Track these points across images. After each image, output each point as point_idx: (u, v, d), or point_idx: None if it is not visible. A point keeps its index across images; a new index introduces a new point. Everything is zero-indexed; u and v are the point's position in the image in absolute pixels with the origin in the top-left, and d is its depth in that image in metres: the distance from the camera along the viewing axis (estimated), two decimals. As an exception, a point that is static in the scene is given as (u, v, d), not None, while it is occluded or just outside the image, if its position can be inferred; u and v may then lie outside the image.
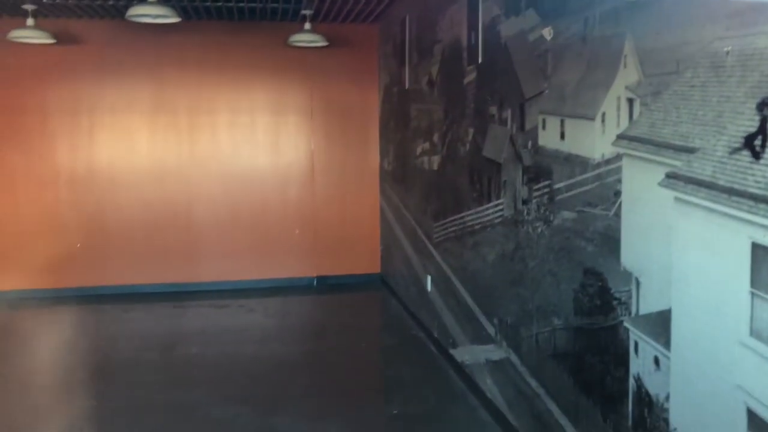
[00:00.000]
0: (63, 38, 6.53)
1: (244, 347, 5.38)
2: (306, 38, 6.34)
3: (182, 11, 6.07)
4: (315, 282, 7.30)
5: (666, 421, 2.25)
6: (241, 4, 6.17)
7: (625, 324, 2.47)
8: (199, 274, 7.12)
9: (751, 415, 1.87)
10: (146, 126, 6.95)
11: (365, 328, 6.07)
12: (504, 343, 3.70)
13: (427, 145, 5.35)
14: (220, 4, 6.09)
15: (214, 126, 7.08)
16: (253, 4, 6.19)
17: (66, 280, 6.91)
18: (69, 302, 6.68)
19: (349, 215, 7.32)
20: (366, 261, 7.35)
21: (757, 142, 1.79)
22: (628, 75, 2.43)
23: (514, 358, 3.56)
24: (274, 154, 7.21)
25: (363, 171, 7.34)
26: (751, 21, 1.83)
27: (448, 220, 4.78)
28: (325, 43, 6.43)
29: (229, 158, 7.12)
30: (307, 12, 6.23)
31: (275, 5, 6.21)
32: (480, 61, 4.02)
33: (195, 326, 6.09)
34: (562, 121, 2.97)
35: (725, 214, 1.92)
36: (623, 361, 2.49)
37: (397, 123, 6.37)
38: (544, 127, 3.16)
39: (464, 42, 4.31)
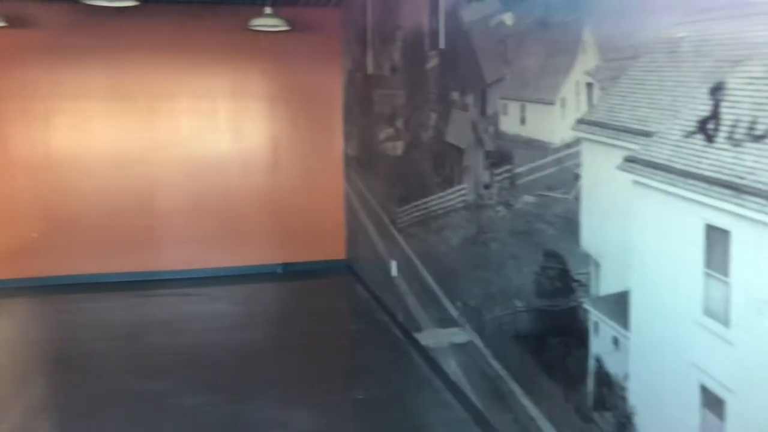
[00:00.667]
0: (15, 22, 6.34)
1: (209, 335, 5.35)
2: (267, 22, 6.26)
3: (139, -5, 5.93)
4: (280, 269, 7.27)
5: (625, 399, 2.31)
6: (200, -12, 6.06)
7: (585, 305, 2.52)
8: (163, 262, 7.03)
9: (705, 392, 1.93)
10: (104, 112, 6.80)
11: (331, 313, 6.07)
12: (467, 326, 3.75)
13: (390, 130, 5.35)
14: (178, -13, 5.98)
15: (175, 112, 6.96)
16: (213, -12, 6.08)
17: (25, 270, 6.76)
18: (28, 293, 6.54)
19: (313, 201, 7.30)
20: (331, 247, 7.34)
21: (711, 125, 1.84)
22: (587, 60, 2.46)
23: (477, 340, 3.61)
24: (237, 140, 7.13)
25: (327, 156, 7.31)
26: (705, 7, 1.87)
27: (412, 205, 4.80)
28: (286, 28, 6.37)
29: (190, 144, 7.02)
30: (268, -5, 6.15)
31: (235, -11, 6.12)
32: (442, 46, 4.02)
33: (159, 315, 6.02)
34: (522, 106, 3.00)
35: (681, 197, 1.97)
36: (583, 342, 2.54)
37: (361, 108, 6.35)
38: (505, 112, 3.18)
39: (426, 27, 4.31)
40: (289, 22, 6.37)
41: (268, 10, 6.25)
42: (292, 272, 7.25)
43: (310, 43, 7.07)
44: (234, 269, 7.15)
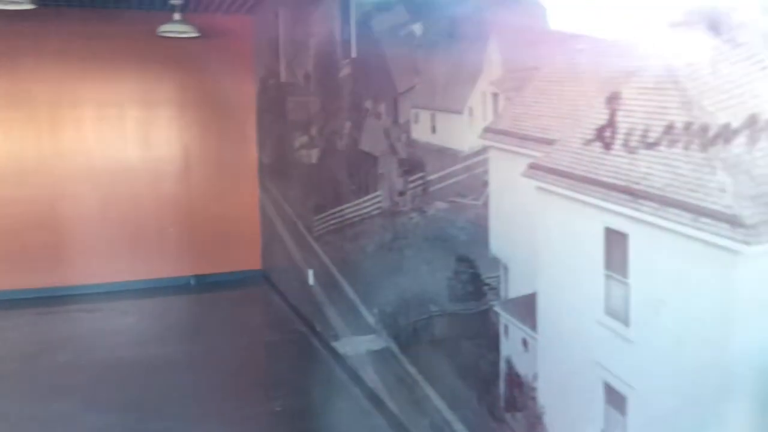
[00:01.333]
0: None
1: (118, 352, 5.13)
2: (176, 28, 6.11)
3: (38, -3, 5.66)
4: (193, 281, 7.08)
5: (534, 399, 2.38)
6: (105, -8, 5.85)
7: (496, 308, 2.58)
8: (69, 277, 6.70)
9: (608, 389, 2.01)
10: (1, 120, 6.45)
11: (247, 325, 5.97)
12: (384, 333, 3.77)
13: (305, 138, 5.32)
14: (80, -10, 5.75)
15: (80, 120, 6.68)
16: (118, -8, 5.89)
17: None
18: None
19: (227, 210, 7.15)
20: (246, 257, 7.21)
21: (608, 134, 1.92)
22: (492, 70, 2.53)
23: (393, 346, 3.63)
24: (146, 149, 6.91)
25: (241, 165, 7.19)
26: (600, 21, 1.96)
27: (328, 213, 4.79)
28: (196, 34, 6.23)
29: (96, 153, 6.75)
30: (177, 2, 6.01)
31: (142, -7, 5.95)
32: (354, 55, 4.04)
33: (65, 332, 5.73)
34: (432, 115, 3.05)
35: (581, 202, 2.05)
36: (495, 345, 2.60)
37: (275, 116, 6.29)
38: (416, 121, 3.23)
39: (338, 36, 4.32)
40: (199, 28, 6.24)
41: (177, 16, 6.10)
42: (205, 284, 7.07)
43: (222, 50, 6.95)
44: (145, 282, 6.90)
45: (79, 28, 6.51)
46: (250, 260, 7.21)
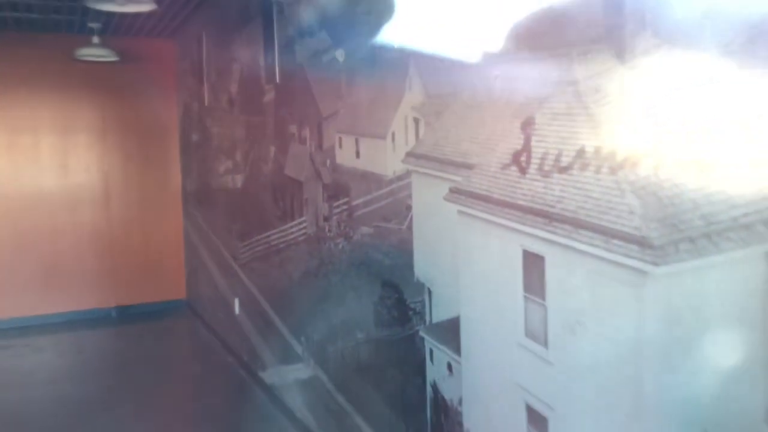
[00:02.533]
0: None
1: (31, 391, 4.86)
2: (95, 52, 5.95)
3: (-55, 19, 5.42)
4: (114, 312, 6.81)
5: (460, 423, 2.37)
6: (17, 14, 5.64)
7: (421, 333, 2.58)
8: (-23, 312, 6.35)
9: (530, 410, 2.03)
10: None
11: (171, 357, 5.77)
12: (311, 361, 3.70)
13: (230, 163, 5.24)
14: (-9, 12, 5.53)
15: (-10, 146, 6.39)
16: (33, 15, 5.68)
17: None
18: None
19: (150, 239, 6.95)
20: (170, 286, 7.00)
21: (523, 158, 1.96)
22: (413, 96, 2.55)
23: (321, 375, 3.57)
24: (63, 176, 6.65)
25: (164, 191, 7.01)
26: (512, 49, 2.01)
27: (253, 239, 4.71)
28: (116, 58, 6.08)
29: (9, 181, 6.45)
30: (95, 25, 5.85)
31: (58, 17, 5.76)
32: (278, 80, 4.02)
33: (-29, 372, 5.40)
34: (356, 140, 3.06)
35: (500, 225, 2.08)
36: (421, 370, 2.59)
37: (199, 141, 6.18)
38: (340, 146, 3.22)
39: (262, 61, 4.29)
40: (119, 52, 6.09)
41: (95, 39, 5.94)
42: (127, 315, 6.82)
43: (144, 74, 6.80)
44: (63, 315, 6.60)
45: (-10, 51, 6.26)
46: (174, 290, 7.00)
